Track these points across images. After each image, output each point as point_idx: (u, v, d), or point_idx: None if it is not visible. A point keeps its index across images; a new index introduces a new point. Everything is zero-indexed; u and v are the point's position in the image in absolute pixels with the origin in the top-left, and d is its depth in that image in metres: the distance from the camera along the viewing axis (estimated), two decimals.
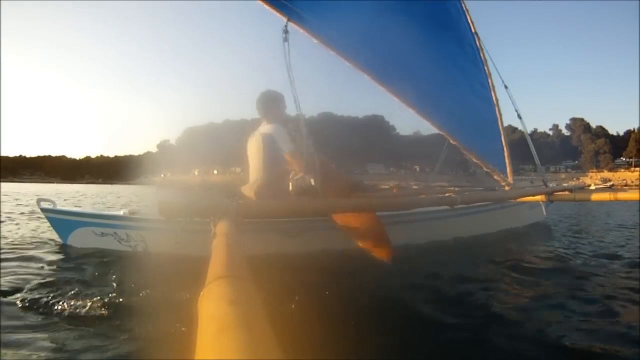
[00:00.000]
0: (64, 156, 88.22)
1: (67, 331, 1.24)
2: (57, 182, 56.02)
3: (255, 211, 1.76)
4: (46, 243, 2.70)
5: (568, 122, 65.69)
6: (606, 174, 52.09)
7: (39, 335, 1.21)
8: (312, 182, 1.84)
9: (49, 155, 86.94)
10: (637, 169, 53.82)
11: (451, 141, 3.32)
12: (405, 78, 2.57)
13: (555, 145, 61.95)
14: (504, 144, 4.03)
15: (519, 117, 4.08)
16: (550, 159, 57.40)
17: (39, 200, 2.49)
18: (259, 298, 0.51)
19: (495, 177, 4.04)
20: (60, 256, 2.32)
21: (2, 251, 2.43)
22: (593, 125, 63.86)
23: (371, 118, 62.36)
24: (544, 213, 4.39)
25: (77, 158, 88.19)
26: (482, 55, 3.65)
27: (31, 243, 2.75)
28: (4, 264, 2.12)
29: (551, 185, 4.04)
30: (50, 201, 2.51)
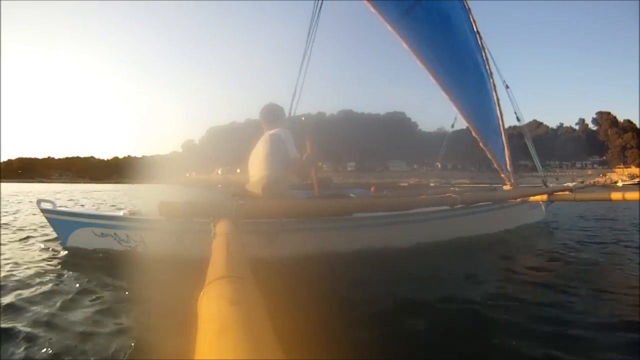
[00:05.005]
0: (92, 157, 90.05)
1: (64, 331, 1.24)
2: (85, 182, 56.35)
3: (255, 211, 1.76)
4: (45, 241, 2.70)
5: (594, 116, 61.01)
6: (634, 169, 48.21)
7: (36, 335, 1.21)
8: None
9: (78, 157, 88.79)
10: None
11: (474, 134, 3.51)
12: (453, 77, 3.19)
13: (582, 140, 58.03)
14: (504, 143, 4.05)
15: (518, 119, 4.10)
16: (575, 154, 55.13)
17: (39, 201, 2.47)
18: (259, 298, 0.51)
19: (502, 175, 4.09)
20: (59, 257, 2.32)
21: (1, 251, 2.43)
22: (620, 119, 59.06)
23: (392, 115, 60.57)
24: (544, 213, 4.39)
25: (105, 159, 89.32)
26: (483, 54, 3.67)
27: (31, 243, 2.75)
28: (3, 263, 2.12)
29: (551, 185, 4.04)
30: (50, 202, 2.50)
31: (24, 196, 10.90)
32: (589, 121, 61.92)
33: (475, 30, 3.55)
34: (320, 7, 1.88)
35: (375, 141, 50.74)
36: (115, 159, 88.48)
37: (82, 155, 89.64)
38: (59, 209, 2.49)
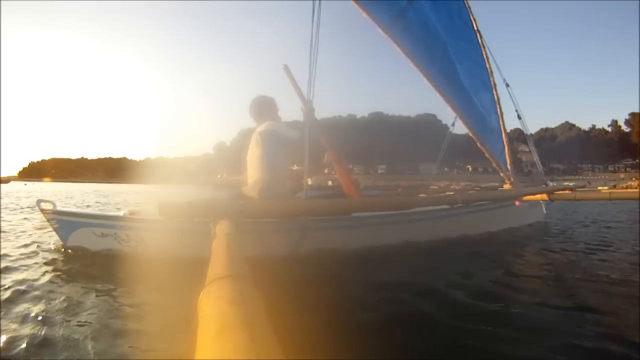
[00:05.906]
0: (125, 158, 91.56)
1: (64, 331, 1.24)
2: (117, 183, 56.55)
3: (255, 211, 1.76)
4: (47, 241, 2.70)
5: (627, 117, 58.02)
6: None
7: (36, 334, 1.21)
8: (330, 183, 1.88)
9: (110, 157, 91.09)
10: None
11: (470, 134, 3.49)
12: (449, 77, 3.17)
13: (614, 142, 55.84)
14: (504, 142, 4.05)
15: (519, 117, 4.09)
16: (608, 157, 52.91)
17: (38, 201, 2.47)
18: (259, 298, 0.51)
19: (501, 174, 4.08)
20: (59, 257, 2.32)
21: (2, 252, 2.43)
22: None
23: (423, 117, 59.44)
24: (544, 212, 4.39)
25: (138, 160, 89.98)
26: (484, 52, 3.66)
27: (34, 243, 2.75)
28: (3, 263, 2.12)
29: (551, 184, 4.04)
30: (50, 202, 2.49)
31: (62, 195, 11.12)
32: (621, 122, 59.04)
33: (475, 28, 3.55)
34: (319, 7, 1.84)
35: (405, 143, 50.12)
36: (148, 160, 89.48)
37: (114, 156, 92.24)
38: (59, 209, 2.48)
